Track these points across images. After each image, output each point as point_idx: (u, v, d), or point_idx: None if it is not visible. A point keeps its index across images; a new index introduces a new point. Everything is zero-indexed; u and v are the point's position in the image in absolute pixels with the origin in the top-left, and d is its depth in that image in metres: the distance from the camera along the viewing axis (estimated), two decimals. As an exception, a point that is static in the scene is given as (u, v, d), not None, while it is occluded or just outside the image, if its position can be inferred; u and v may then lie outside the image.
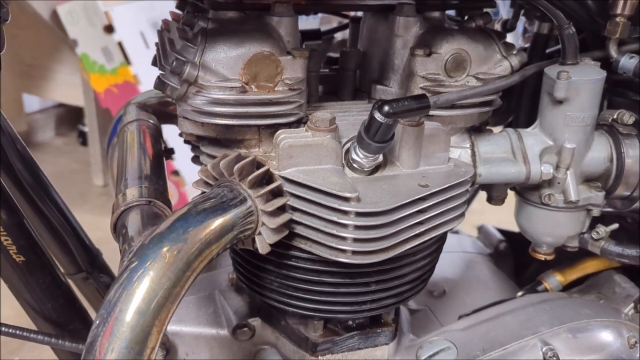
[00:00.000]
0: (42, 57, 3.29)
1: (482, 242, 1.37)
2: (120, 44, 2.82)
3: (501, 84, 0.74)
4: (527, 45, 1.06)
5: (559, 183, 0.80)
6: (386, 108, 0.63)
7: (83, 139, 3.65)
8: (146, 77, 2.84)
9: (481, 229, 1.38)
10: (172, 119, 1.03)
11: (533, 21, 1.03)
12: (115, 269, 1.07)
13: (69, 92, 3.27)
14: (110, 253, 1.07)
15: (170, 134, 1.09)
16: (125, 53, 2.83)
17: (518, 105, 1.04)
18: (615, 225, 0.85)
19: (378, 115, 0.64)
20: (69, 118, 3.90)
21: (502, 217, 1.33)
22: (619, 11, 0.80)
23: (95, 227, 1.31)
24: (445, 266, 1.17)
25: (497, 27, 1.07)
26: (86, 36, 2.86)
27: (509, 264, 1.31)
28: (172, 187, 2.84)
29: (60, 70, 3.26)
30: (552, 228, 0.84)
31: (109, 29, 2.81)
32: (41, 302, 0.77)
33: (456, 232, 1.40)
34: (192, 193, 2.81)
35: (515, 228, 1.27)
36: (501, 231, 1.35)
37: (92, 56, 2.88)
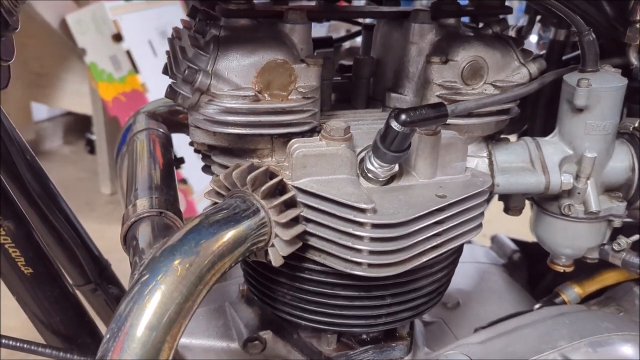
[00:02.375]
0: (50, 66, 3.31)
1: (495, 252, 1.34)
2: (128, 53, 2.83)
3: (520, 91, 0.72)
4: (542, 52, 1.04)
5: (579, 193, 0.77)
6: (403, 117, 0.62)
7: (91, 147, 3.66)
8: (154, 85, 2.84)
9: (494, 239, 1.36)
10: (181, 127, 1.02)
11: (548, 28, 1.01)
12: (122, 278, 1.06)
13: (77, 100, 3.28)
14: (117, 263, 1.05)
15: (178, 142, 1.08)
16: (134, 61, 2.84)
17: (533, 113, 1.02)
18: (636, 237, 0.83)
19: (395, 124, 0.62)
20: (77, 126, 3.92)
21: (512, 226, 1.31)
22: (639, 17, 0.78)
23: (102, 236, 1.30)
24: (459, 277, 1.14)
25: (512, 34, 1.06)
26: (95, 45, 2.87)
27: (523, 274, 1.28)
28: (179, 195, 2.82)
29: (69, 79, 3.27)
30: (572, 239, 0.82)
31: (118, 37, 2.82)
32: (49, 315, 0.76)
33: (469, 242, 1.38)
34: (200, 202, 2.80)
35: (528, 238, 1.25)
36: (515, 241, 1.33)
37: (101, 65, 2.89)
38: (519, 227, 1.19)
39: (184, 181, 2.79)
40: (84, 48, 2.89)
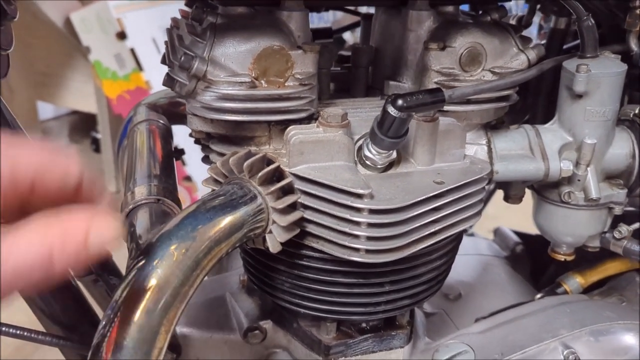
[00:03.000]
0: (55, 65, 3.32)
1: (498, 244, 1.34)
2: (132, 51, 2.84)
3: (518, 77, 0.72)
4: (543, 41, 1.04)
5: (579, 180, 0.77)
6: (400, 102, 0.61)
7: (96, 145, 3.68)
8: (158, 83, 2.81)
9: (497, 232, 1.35)
10: (182, 119, 1.01)
11: (549, 17, 1.01)
12: (125, 270, 1.06)
13: (82, 99, 3.30)
14: (122, 258, 1.05)
15: (183, 138, 1.08)
16: (138, 59, 2.85)
17: (535, 103, 1.01)
18: (637, 224, 0.82)
19: (391, 110, 0.62)
20: (82, 125, 3.94)
21: (517, 221, 1.30)
22: (638, 3, 0.78)
23: (107, 231, 1.30)
24: (461, 269, 1.14)
25: (512, 23, 1.05)
26: (99, 43, 2.89)
27: (526, 266, 1.28)
28: (184, 192, 2.84)
29: (74, 77, 3.29)
30: (572, 227, 0.82)
31: (122, 35, 2.84)
32: (49, 305, 0.76)
33: (471, 235, 1.38)
34: (204, 198, 2.81)
35: (531, 230, 1.24)
36: (517, 233, 1.32)
37: (105, 63, 2.90)
38: (523, 222, 1.18)
39: (188, 178, 2.80)
40: (89, 46, 2.91)
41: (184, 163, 2.73)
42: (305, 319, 0.80)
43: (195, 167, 2.69)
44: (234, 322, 0.87)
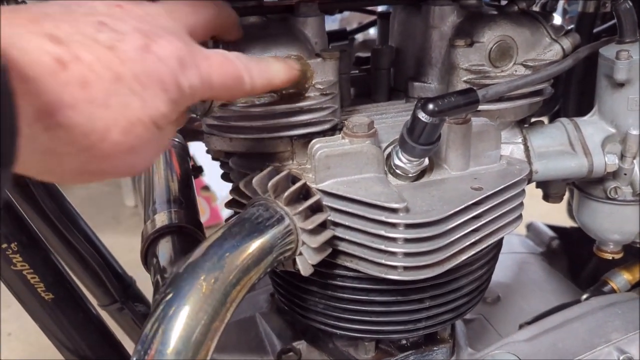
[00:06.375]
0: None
1: (531, 240, 1.29)
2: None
3: (554, 69, 0.67)
4: (570, 27, 0.98)
5: (625, 174, 0.72)
6: (431, 106, 0.57)
7: (113, 160, 3.67)
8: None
9: (530, 227, 1.30)
10: (198, 135, 0.98)
11: (575, 0, 0.95)
12: (150, 293, 1.03)
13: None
14: (147, 276, 1.03)
15: (198, 148, 1.05)
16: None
17: (565, 92, 0.96)
18: (690, 216, 0.77)
19: (422, 115, 0.57)
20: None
21: (547, 210, 1.24)
22: (678, -21, 0.72)
23: (130, 248, 1.28)
24: (496, 269, 1.09)
25: (536, 9, 1.00)
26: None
27: (564, 263, 1.22)
28: (203, 203, 2.81)
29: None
30: (620, 224, 0.77)
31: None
32: (74, 341, 0.73)
33: (504, 232, 1.32)
34: (224, 208, 2.79)
35: (565, 223, 1.19)
36: (552, 227, 1.27)
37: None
38: (554, 211, 1.12)
39: (206, 188, 2.78)
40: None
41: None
42: (341, 338, 0.76)
43: (213, 176, 2.66)
44: (266, 344, 0.84)
